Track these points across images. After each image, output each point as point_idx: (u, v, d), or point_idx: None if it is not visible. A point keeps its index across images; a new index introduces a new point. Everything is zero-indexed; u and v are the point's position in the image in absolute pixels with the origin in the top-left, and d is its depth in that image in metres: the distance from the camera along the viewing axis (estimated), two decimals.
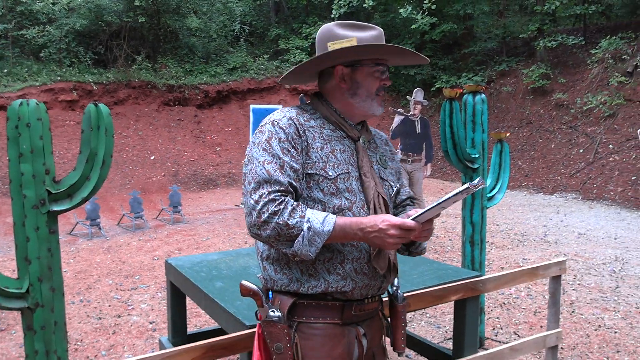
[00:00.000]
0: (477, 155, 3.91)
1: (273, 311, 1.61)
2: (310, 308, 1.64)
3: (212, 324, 4.38)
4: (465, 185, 1.47)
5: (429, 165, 7.83)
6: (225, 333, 2.36)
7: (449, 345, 3.93)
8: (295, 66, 1.75)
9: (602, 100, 12.77)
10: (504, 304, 4.96)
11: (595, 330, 4.31)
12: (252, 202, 1.54)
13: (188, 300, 3.47)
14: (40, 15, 15.60)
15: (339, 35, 1.68)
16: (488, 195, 4.08)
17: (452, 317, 3.12)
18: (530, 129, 14.47)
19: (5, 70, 14.56)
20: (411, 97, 7.72)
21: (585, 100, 13.30)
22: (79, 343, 4.29)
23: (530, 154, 13.62)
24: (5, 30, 15.02)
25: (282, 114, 1.67)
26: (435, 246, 7.13)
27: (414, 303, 2.64)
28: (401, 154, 7.56)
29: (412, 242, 1.81)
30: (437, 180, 14.02)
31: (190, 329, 4.30)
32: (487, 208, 4.06)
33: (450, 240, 7.48)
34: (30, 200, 2.43)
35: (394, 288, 1.85)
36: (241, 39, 19.48)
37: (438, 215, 1.60)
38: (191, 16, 17.86)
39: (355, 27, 1.70)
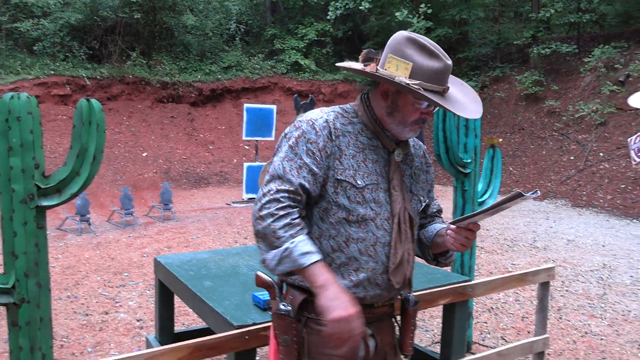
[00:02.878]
0: (469, 160, 3.92)
1: (284, 305, 1.64)
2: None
3: (200, 323, 4.36)
4: (517, 192, 1.47)
5: None
6: (213, 333, 2.35)
7: (437, 348, 3.94)
8: (348, 66, 1.70)
9: (594, 108, 12.85)
10: (492, 308, 4.98)
11: (582, 336, 4.33)
12: (261, 193, 1.56)
13: (176, 299, 3.45)
14: (35, 8, 15.48)
15: (402, 52, 1.60)
16: (479, 200, 4.09)
17: (441, 321, 3.13)
18: (522, 135, 14.54)
19: None
20: None
21: (577, 108, 13.38)
22: (64, 339, 4.26)
23: (522, 159, 13.68)
24: None
25: (320, 114, 1.66)
26: None
27: None
28: None
29: (443, 252, 1.82)
30: None
31: (178, 328, 4.28)
32: None
33: None
34: (19, 194, 2.41)
35: (407, 291, 1.83)
36: (237, 38, 19.44)
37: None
38: (187, 14, 17.80)
39: (424, 50, 1.59)
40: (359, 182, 1.61)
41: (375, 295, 1.67)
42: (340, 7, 16.41)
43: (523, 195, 1.45)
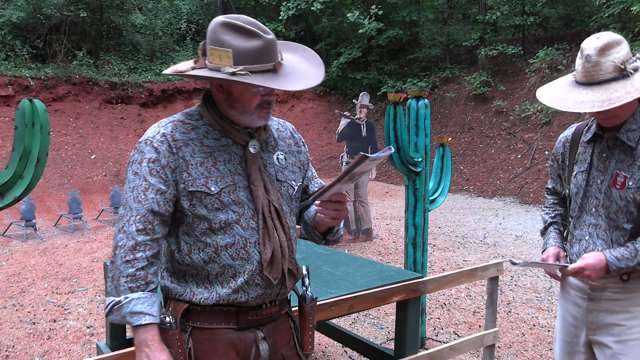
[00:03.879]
0: (419, 159, 3.99)
1: (165, 317, 1.56)
2: (204, 314, 1.61)
3: None
4: (361, 155, 1.40)
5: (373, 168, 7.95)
6: None
7: (391, 345, 3.99)
8: (174, 70, 1.58)
9: (539, 108, 13.30)
10: (445, 304, 5.08)
11: (530, 329, 4.48)
12: (116, 228, 1.54)
13: None
14: None
15: (219, 40, 1.50)
16: (430, 198, 4.18)
17: (395, 318, 3.17)
18: (472, 135, 14.91)
19: None
20: (357, 100, 7.81)
21: (523, 108, 13.82)
22: (10, 349, 4.10)
23: (472, 158, 14.03)
24: None
25: (156, 130, 1.58)
26: (379, 248, 7.23)
27: (357, 304, 2.67)
28: (347, 156, 7.64)
29: (328, 230, 1.77)
30: (382, 183, 14.22)
31: (130, 334, 4.18)
32: (429, 211, 4.15)
33: (394, 242, 7.60)
34: None
35: (304, 288, 1.79)
36: (187, 38, 19.16)
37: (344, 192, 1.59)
38: (136, 12, 17.45)
39: (240, 32, 1.50)
40: (212, 188, 1.54)
41: (259, 295, 1.62)
42: (293, 7, 16.42)
43: (368, 157, 1.40)
